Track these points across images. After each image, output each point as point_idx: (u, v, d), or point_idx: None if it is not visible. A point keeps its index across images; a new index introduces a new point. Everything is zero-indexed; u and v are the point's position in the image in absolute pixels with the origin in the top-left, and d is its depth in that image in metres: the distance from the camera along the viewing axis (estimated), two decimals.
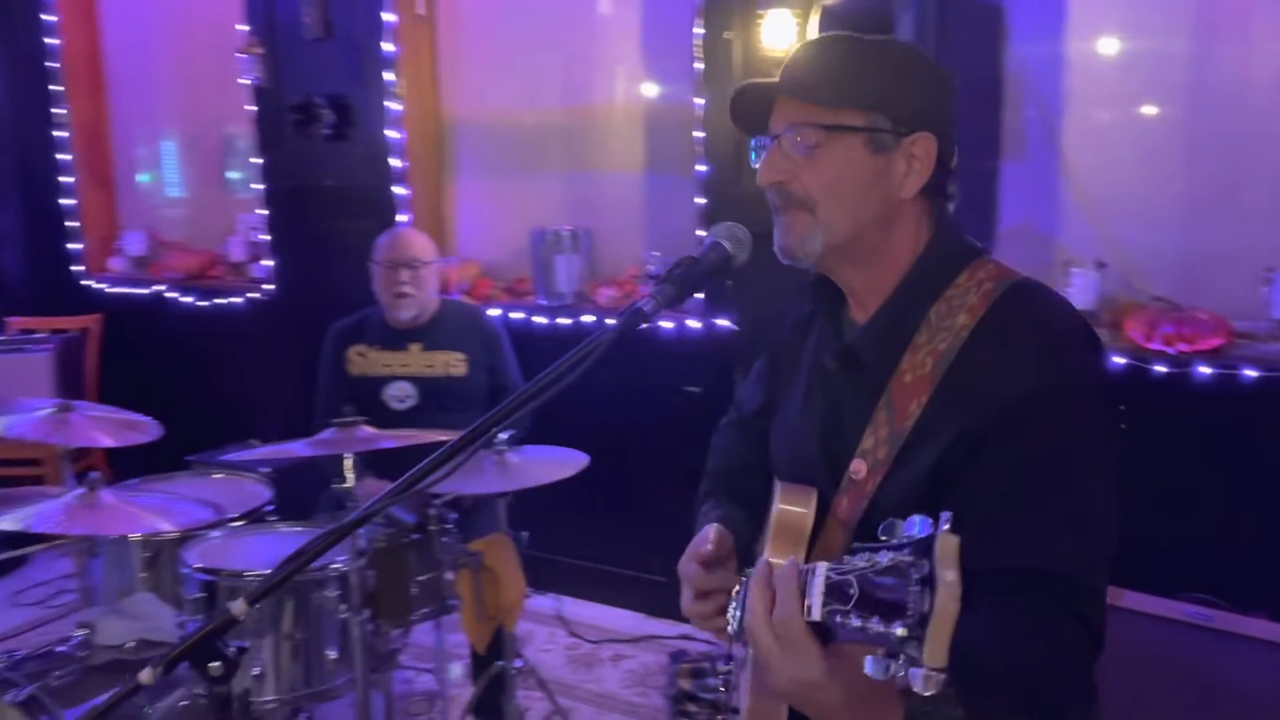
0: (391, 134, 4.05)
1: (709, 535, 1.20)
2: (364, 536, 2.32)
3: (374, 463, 2.70)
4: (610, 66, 3.88)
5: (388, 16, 3.98)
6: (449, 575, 2.48)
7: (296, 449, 2.30)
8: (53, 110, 5.07)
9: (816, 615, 0.83)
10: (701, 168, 3.42)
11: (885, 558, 0.79)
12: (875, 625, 0.77)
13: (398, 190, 4.07)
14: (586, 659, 3.52)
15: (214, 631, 1.15)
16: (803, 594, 0.86)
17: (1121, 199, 3.06)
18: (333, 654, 2.23)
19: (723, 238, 1.17)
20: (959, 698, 0.91)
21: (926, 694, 0.74)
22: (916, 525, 0.80)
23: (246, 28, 4.31)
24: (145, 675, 1.14)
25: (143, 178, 5.33)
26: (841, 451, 1.14)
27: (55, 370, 4.60)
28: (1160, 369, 2.80)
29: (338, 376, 2.99)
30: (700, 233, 3.42)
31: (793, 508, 1.13)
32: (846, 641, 0.83)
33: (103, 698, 1.22)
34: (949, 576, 0.74)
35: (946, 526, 0.76)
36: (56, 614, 3.80)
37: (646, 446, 3.49)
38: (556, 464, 2.52)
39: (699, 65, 3.40)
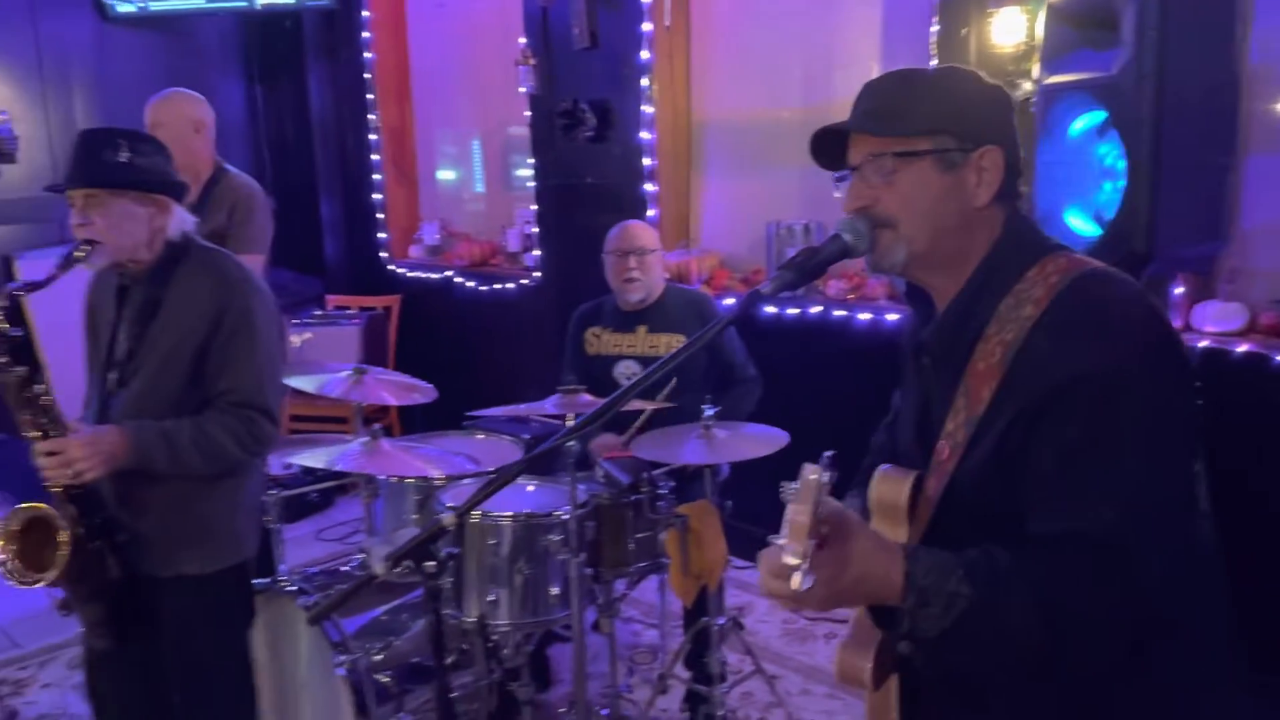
0: (644, 135, 4.39)
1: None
2: (585, 492, 2.64)
3: (612, 423, 3.05)
4: (849, 65, 4.00)
5: (646, 27, 4.32)
6: (661, 535, 2.76)
7: (536, 408, 2.66)
8: (368, 116, 5.85)
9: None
10: None
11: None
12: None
13: (648, 187, 4.41)
14: (801, 633, 3.69)
15: (429, 538, 1.46)
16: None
17: None
18: (555, 590, 2.56)
19: (844, 230, 1.32)
20: (967, 577, 1.07)
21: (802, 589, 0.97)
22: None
23: (524, 40, 4.80)
24: (379, 568, 1.48)
25: (439, 175, 6.04)
26: (931, 437, 1.27)
27: (362, 341, 5.34)
28: None
29: (578, 354, 3.36)
30: None
31: (889, 489, 1.28)
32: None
33: (346, 588, 1.57)
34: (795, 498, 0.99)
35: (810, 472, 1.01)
36: (350, 549, 4.45)
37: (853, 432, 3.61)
38: (758, 440, 2.72)
39: (934, 62, 3.47)
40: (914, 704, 1.29)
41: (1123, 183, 2.41)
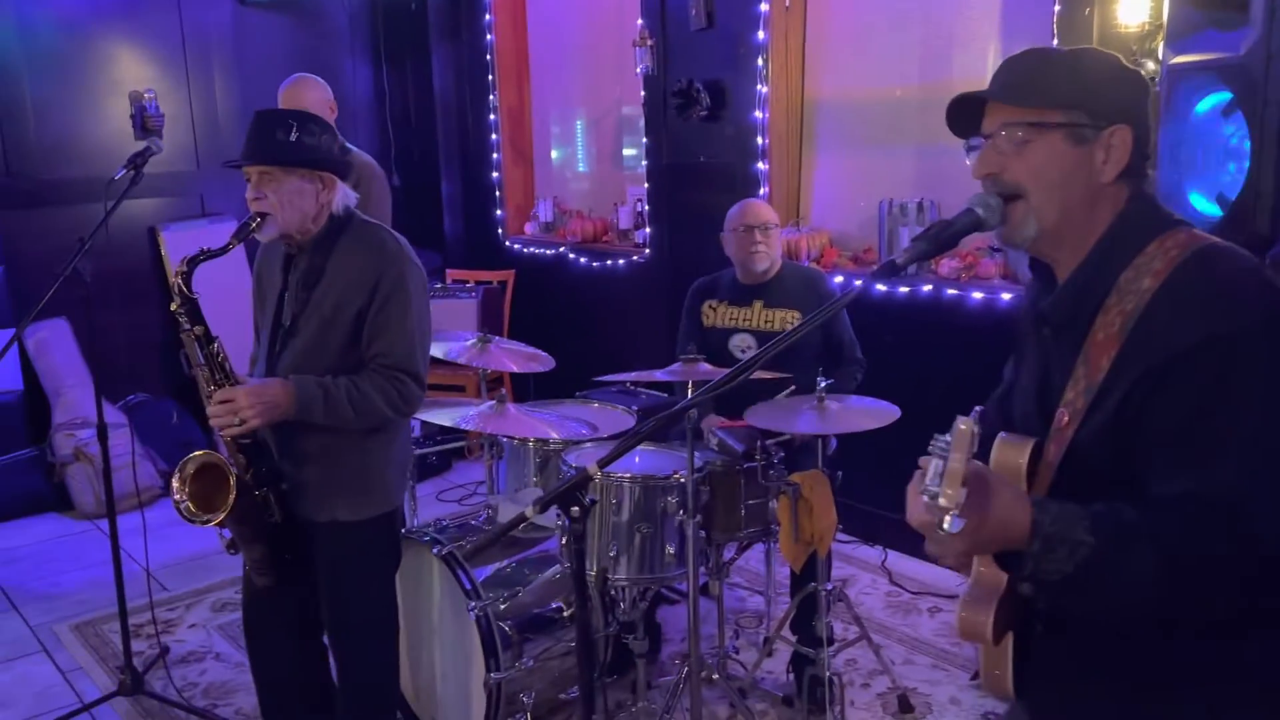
0: (757, 114, 4.46)
1: None
2: (700, 459, 2.76)
3: (720, 401, 3.17)
4: (968, 43, 4.00)
5: (763, 7, 4.39)
6: (773, 504, 2.87)
7: (655, 375, 2.80)
8: (488, 97, 6.05)
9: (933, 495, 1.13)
10: None
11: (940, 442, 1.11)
12: (932, 486, 1.10)
13: (760, 166, 4.49)
14: (905, 606, 3.76)
15: (575, 485, 1.60)
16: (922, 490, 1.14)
17: None
18: (671, 549, 2.70)
19: (976, 204, 1.37)
20: (1092, 527, 1.15)
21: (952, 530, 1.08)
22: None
23: (641, 21, 4.91)
24: (529, 511, 1.62)
25: (554, 154, 6.20)
26: (1051, 405, 1.33)
27: (479, 313, 5.55)
28: None
29: (694, 325, 3.48)
30: None
31: (1009, 454, 1.33)
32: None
33: (497, 528, 1.72)
34: (955, 445, 1.08)
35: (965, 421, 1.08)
36: (467, 511, 4.66)
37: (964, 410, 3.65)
38: (870, 414, 2.80)
39: (1055, 40, 3.46)
40: (1025, 660, 1.36)
41: (1247, 164, 2.41)
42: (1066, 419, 1.29)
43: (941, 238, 1.36)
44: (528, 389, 5.51)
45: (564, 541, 2.78)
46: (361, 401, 2.26)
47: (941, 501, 1.09)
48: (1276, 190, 2.39)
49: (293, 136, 2.20)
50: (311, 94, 3.50)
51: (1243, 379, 1.17)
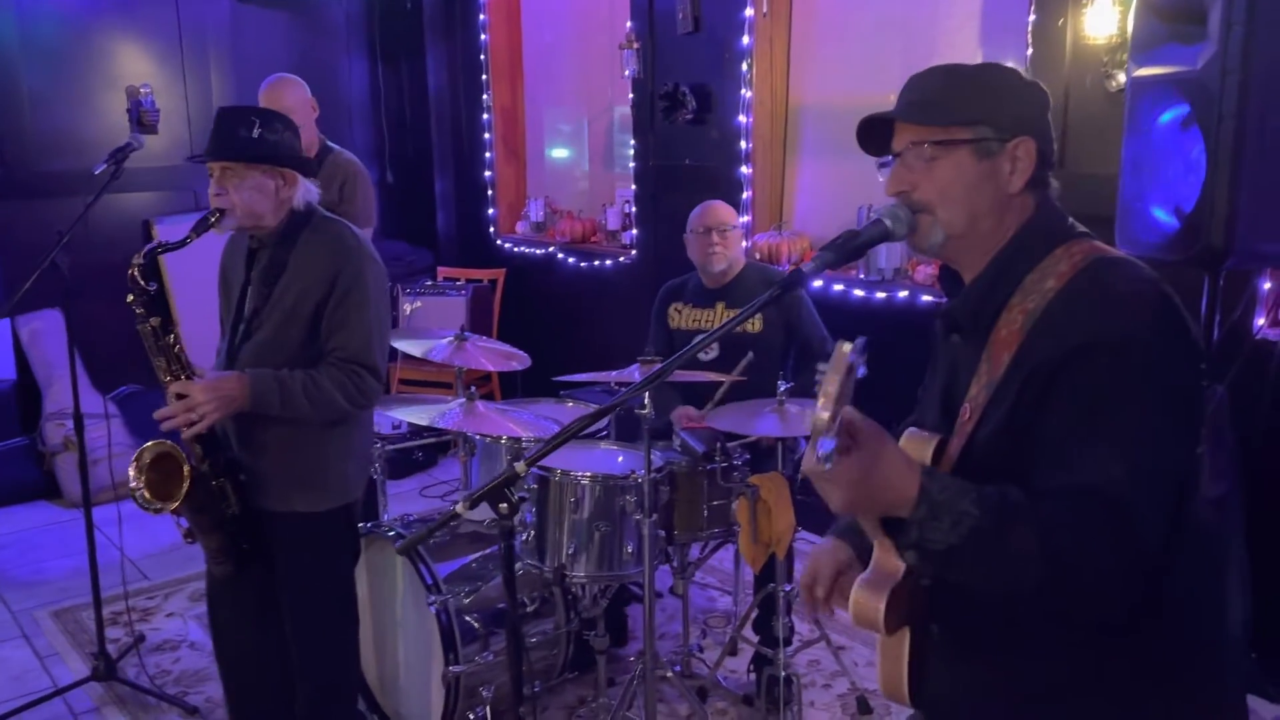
0: (741, 119, 4.50)
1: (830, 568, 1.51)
2: (662, 459, 2.80)
3: (689, 396, 3.25)
4: (948, 53, 4.03)
5: (748, 12, 4.42)
6: (734, 504, 2.90)
7: (616, 376, 2.84)
8: (482, 96, 6.09)
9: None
10: None
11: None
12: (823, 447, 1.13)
13: (743, 170, 4.52)
14: None
15: (504, 483, 1.63)
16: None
17: None
18: (630, 547, 2.73)
19: (885, 216, 1.42)
20: (978, 501, 1.18)
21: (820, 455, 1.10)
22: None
23: (630, 24, 4.95)
24: (460, 506, 1.66)
25: (546, 154, 6.25)
26: (956, 402, 1.37)
27: (469, 311, 5.59)
28: None
29: (661, 327, 3.52)
30: None
31: (914, 449, 1.36)
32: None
33: (433, 522, 1.76)
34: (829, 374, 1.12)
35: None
36: (440, 508, 4.70)
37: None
38: None
39: (1030, 50, 3.49)
40: (922, 660, 1.39)
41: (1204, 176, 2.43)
42: (968, 414, 1.33)
43: (848, 247, 1.40)
44: (515, 387, 5.56)
45: (525, 539, 2.82)
46: (318, 395, 2.30)
47: (819, 413, 1.11)
48: (1231, 204, 2.42)
49: (255, 133, 2.24)
50: (292, 93, 3.55)
51: (1131, 382, 1.20)
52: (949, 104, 1.35)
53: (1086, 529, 1.17)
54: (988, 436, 1.30)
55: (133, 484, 2.24)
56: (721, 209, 3.42)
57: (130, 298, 2.27)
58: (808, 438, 1.15)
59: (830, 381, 1.12)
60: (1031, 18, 3.45)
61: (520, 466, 1.61)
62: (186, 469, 2.26)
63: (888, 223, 1.41)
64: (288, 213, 2.35)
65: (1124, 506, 1.17)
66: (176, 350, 2.30)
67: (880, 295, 3.99)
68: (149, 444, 2.29)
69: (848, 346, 1.14)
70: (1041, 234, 1.35)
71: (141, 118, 5.41)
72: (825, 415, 1.11)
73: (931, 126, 1.35)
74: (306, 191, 2.37)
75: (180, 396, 2.24)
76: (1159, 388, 1.21)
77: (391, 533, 2.90)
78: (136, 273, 2.27)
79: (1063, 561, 1.17)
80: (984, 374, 1.32)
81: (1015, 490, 1.21)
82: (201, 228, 2.27)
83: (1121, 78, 3.09)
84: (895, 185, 1.39)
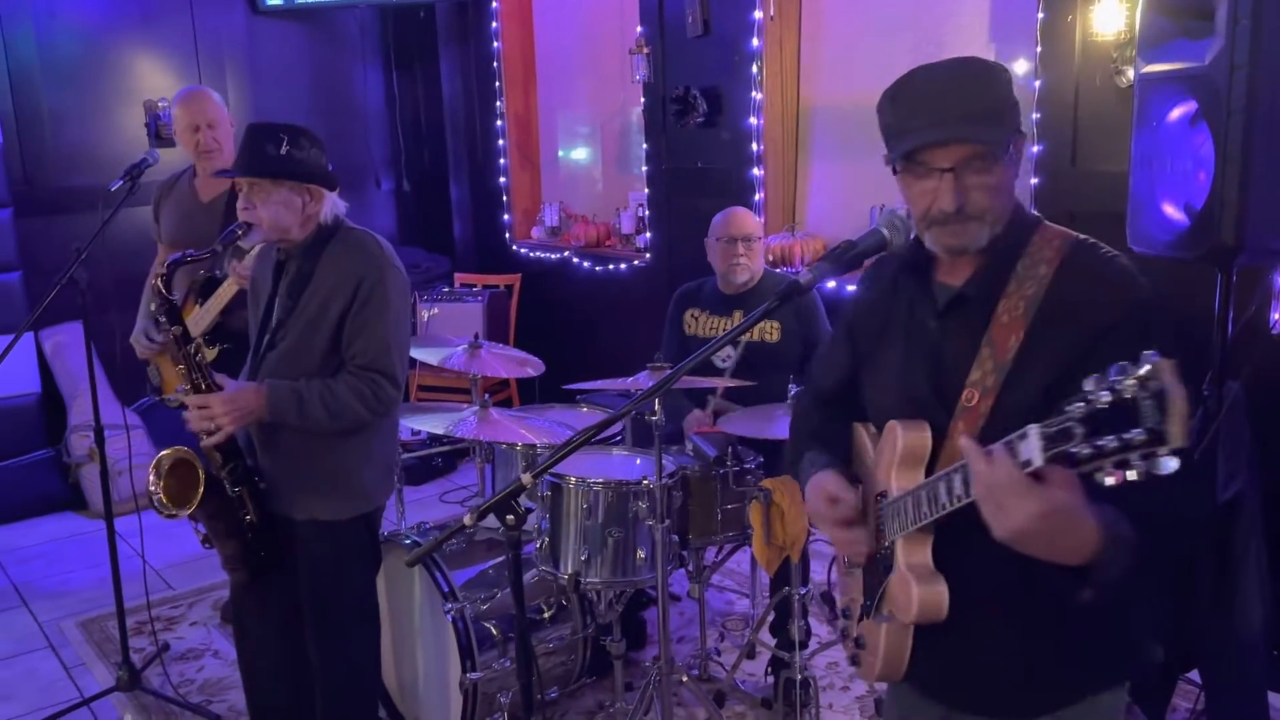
0: (752, 121, 4.50)
1: (839, 485, 1.50)
2: (674, 464, 2.81)
3: (700, 401, 3.26)
4: (957, 49, 3.99)
5: (757, 15, 4.42)
6: (748, 508, 2.91)
7: (627, 383, 2.85)
8: (495, 103, 6.13)
9: (1039, 463, 1.09)
10: (1036, 148, 3.50)
11: (1105, 395, 1.01)
12: (1110, 442, 1.00)
13: (755, 172, 4.52)
14: None
15: (511, 494, 1.65)
16: (1013, 455, 1.14)
17: None
18: (643, 552, 2.75)
19: (883, 225, 1.43)
20: (1121, 520, 1.19)
21: (1172, 473, 0.98)
22: (1113, 372, 1.00)
23: (640, 29, 4.96)
24: (467, 519, 1.68)
25: (560, 159, 6.27)
26: (950, 387, 1.39)
27: (485, 317, 5.64)
28: None
29: (676, 333, 3.53)
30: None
31: (915, 438, 1.39)
32: (1077, 471, 1.07)
33: (439, 535, 1.79)
34: (1170, 379, 0.98)
35: (1156, 358, 0.99)
36: (461, 514, 4.74)
37: None
38: None
39: (1039, 48, 3.47)
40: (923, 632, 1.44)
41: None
42: (976, 397, 1.36)
43: (845, 258, 1.41)
44: (533, 391, 5.58)
45: (539, 545, 2.84)
46: (335, 403, 2.32)
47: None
48: (1241, 201, 2.40)
49: (283, 150, 2.28)
50: (217, 108, 3.44)
51: (1160, 333, 1.29)
52: (998, 117, 1.37)
53: (1176, 483, 1.14)
54: (1011, 414, 1.31)
55: (151, 488, 2.28)
56: (747, 218, 3.41)
57: (153, 306, 2.31)
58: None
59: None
60: (1040, 15, 3.44)
61: (526, 478, 1.62)
62: (201, 475, 2.29)
63: (885, 232, 1.43)
64: (315, 226, 2.39)
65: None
66: (199, 359, 2.33)
67: None
68: (167, 450, 2.33)
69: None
70: (1021, 224, 1.42)
71: (160, 131, 5.47)
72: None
73: (990, 144, 1.36)
74: (334, 205, 2.41)
75: (200, 409, 2.28)
76: (1176, 337, 1.33)
77: (408, 540, 2.92)
78: (159, 283, 2.32)
79: (1186, 518, 1.30)
80: (988, 359, 1.36)
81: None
82: (229, 240, 2.31)
83: (1131, 74, 3.07)
84: (953, 201, 1.35)
